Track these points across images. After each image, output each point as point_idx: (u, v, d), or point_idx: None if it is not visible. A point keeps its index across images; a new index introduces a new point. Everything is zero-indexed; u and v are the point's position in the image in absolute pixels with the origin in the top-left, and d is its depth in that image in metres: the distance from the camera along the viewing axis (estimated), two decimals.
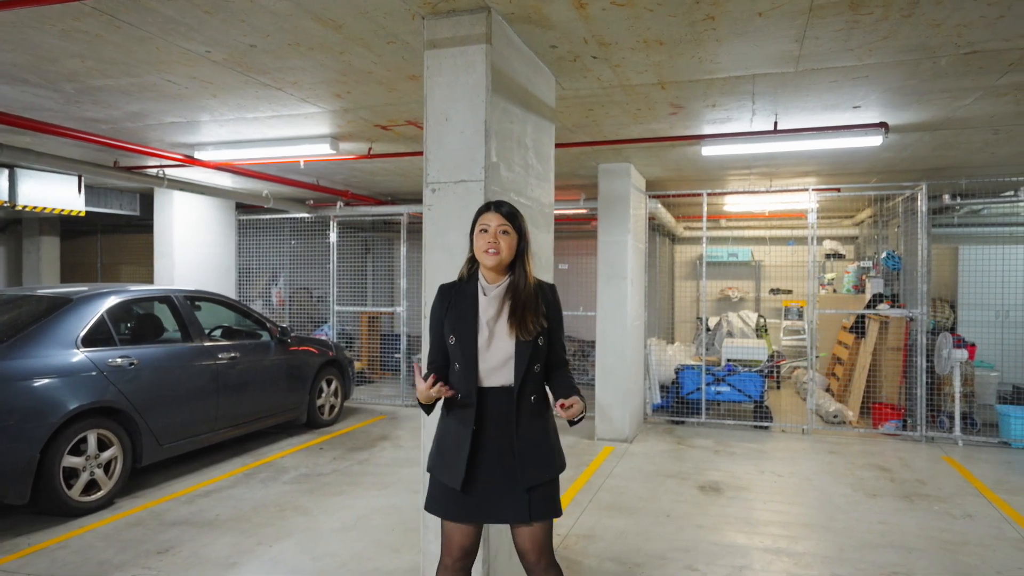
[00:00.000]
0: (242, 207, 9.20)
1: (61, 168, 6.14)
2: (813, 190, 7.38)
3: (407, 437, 6.71)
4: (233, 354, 5.77)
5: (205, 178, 7.60)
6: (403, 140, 5.75)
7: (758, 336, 9.46)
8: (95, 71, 3.90)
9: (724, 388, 7.44)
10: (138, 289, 5.44)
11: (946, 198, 7.67)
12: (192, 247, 8.38)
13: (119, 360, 4.76)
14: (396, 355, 8.89)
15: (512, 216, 2.31)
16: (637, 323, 7.17)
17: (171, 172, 7.05)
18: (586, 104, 4.60)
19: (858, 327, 8.17)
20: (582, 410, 2.23)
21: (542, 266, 3.79)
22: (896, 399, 7.42)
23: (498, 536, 3.16)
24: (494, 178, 3.11)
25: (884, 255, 8.25)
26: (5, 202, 6.48)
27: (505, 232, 2.28)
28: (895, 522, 4.46)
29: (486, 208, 2.35)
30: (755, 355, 7.91)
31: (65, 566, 3.71)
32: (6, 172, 6.47)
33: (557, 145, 5.62)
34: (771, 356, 8.36)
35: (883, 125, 4.99)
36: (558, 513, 2.35)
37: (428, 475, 2.42)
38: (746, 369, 7.53)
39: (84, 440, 4.47)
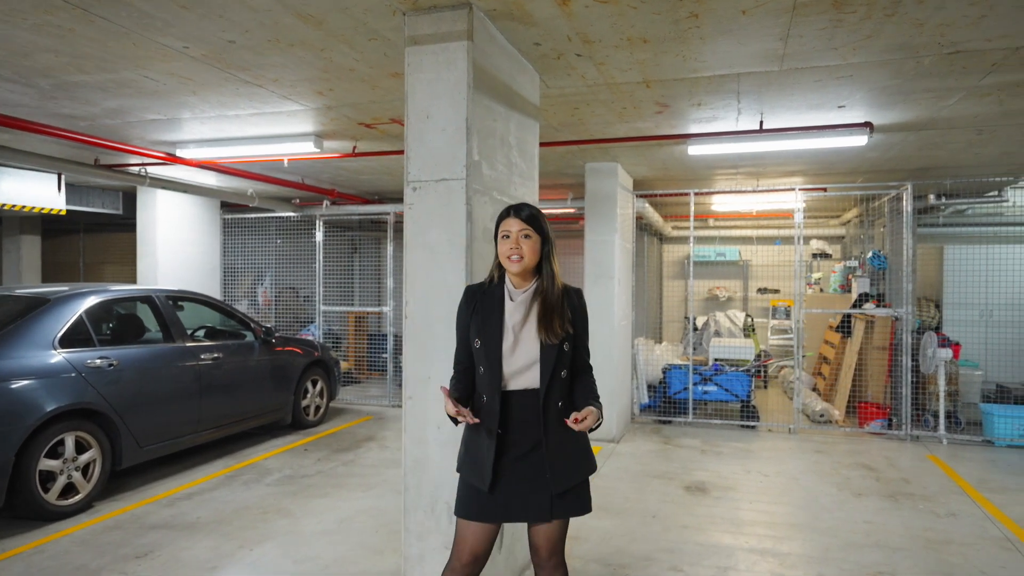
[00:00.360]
0: (227, 206, 9.11)
1: (40, 166, 6.04)
2: (800, 190, 7.39)
3: (393, 438, 6.66)
4: (216, 355, 5.70)
5: (189, 176, 7.52)
6: (388, 138, 5.70)
7: (746, 336, 9.47)
8: (70, 66, 3.83)
9: (711, 388, 7.44)
10: (118, 289, 5.35)
11: (931, 198, 7.71)
12: (176, 246, 8.29)
13: (98, 361, 4.68)
14: (383, 355, 8.83)
15: (532, 219, 2.28)
16: (624, 323, 7.15)
17: (153, 170, 6.96)
18: (571, 103, 4.57)
19: (844, 326, 8.20)
20: (596, 421, 2.22)
21: None
22: (882, 398, 7.45)
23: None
24: (476, 176, 3.07)
25: (870, 255, 8.28)
26: None
27: (527, 236, 2.26)
28: (880, 521, 4.46)
29: (506, 213, 2.31)
30: (742, 354, 7.91)
31: (41, 571, 3.64)
32: None
33: (543, 144, 5.60)
34: (758, 355, 8.37)
35: (868, 125, 5.00)
36: (587, 510, 2.36)
37: (457, 476, 2.43)
38: (733, 369, 7.53)
39: (62, 443, 4.39)
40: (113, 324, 5.62)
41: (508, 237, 2.27)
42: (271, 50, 3.57)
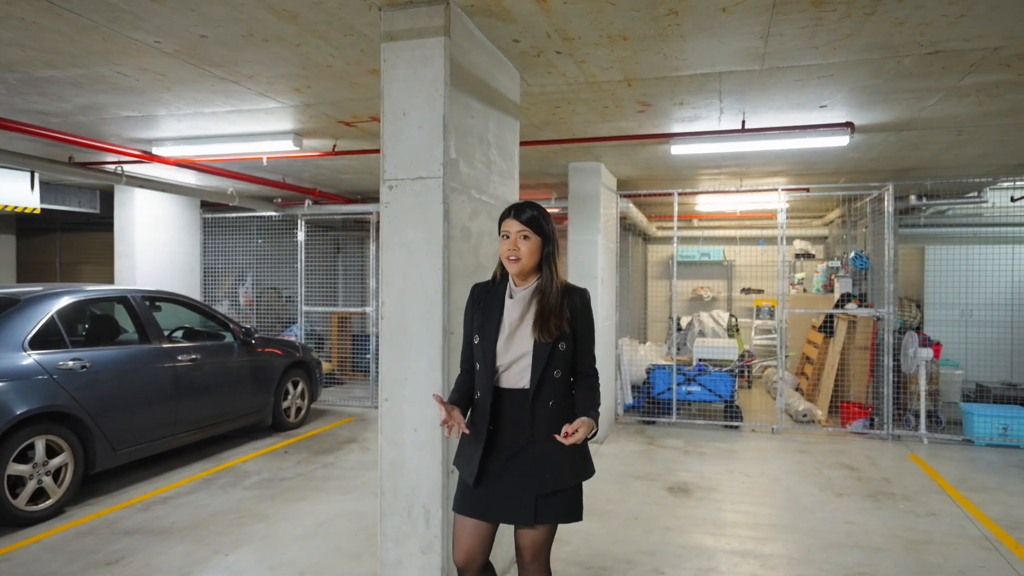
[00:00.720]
0: (208, 205, 8.99)
1: (11, 163, 5.90)
2: (782, 190, 7.41)
3: (375, 440, 6.58)
4: (194, 356, 5.61)
5: (167, 175, 7.40)
6: (368, 137, 5.64)
7: (730, 336, 9.49)
8: (38, 61, 3.73)
9: (695, 388, 7.44)
10: (93, 289, 5.25)
11: (912, 199, 7.75)
12: (155, 246, 8.16)
13: (70, 363, 4.58)
14: (367, 356, 8.75)
15: (533, 221, 2.27)
16: (608, 323, 7.13)
17: (130, 168, 6.84)
18: (552, 101, 4.54)
19: (827, 326, 8.23)
20: (589, 433, 2.18)
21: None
22: (864, 398, 7.48)
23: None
24: (453, 175, 3.03)
25: (852, 255, 8.32)
26: None
27: (525, 237, 2.26)
28: (861, 522, 4.46)
29: (507, 213, 2.31)
30: (726, 355, 7.92)
31: None
32: None
33: (525, 143, 5.56)
34: (742, 355, 8.39)
35: (849, 125, 5.00)
36: (576, 518, 2.32)
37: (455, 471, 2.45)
38: (717, 369, 7.53)
39: (32, 447, 4.29)
40: (87, 325, 5.51)
41: (508, 237, 2.28)
42: (245, 46, 3.49)
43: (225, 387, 5.98)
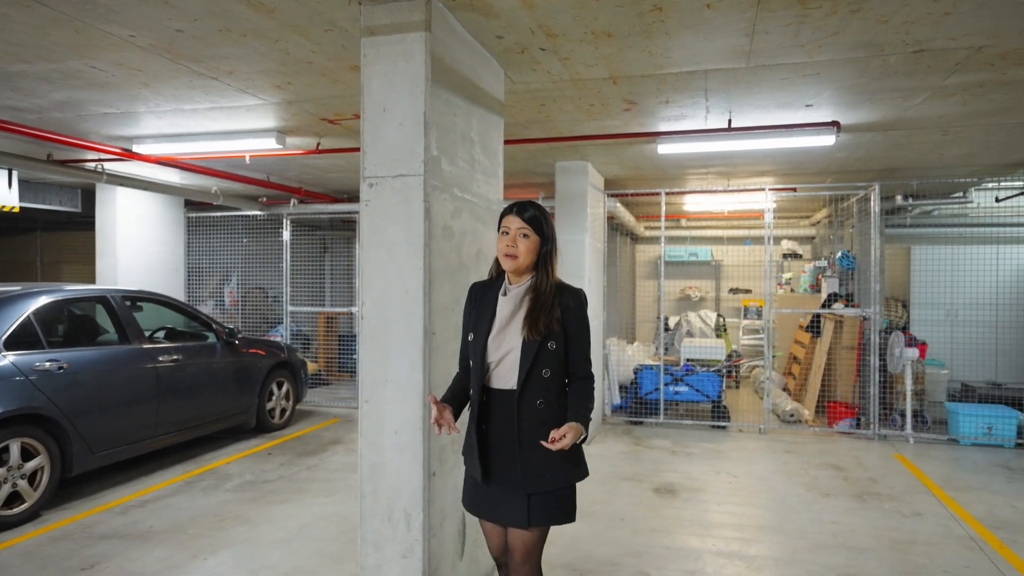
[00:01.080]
0: (192, 204, 8.88)
1: None
2: (770, 190, 7.41)
3: None
4: (175, 356, 5.52)
5: (149, 173, 7.29)
6: (352, 135, 5.57)
7: (717, 336, 9.48)
8: (8, 55, 3.63)
9: (682, 388, 7.42)
10: (71, 289, 5.15)
11: (898, 199, 7.77)
12: (137, 245, 8.04)
13: (47, 364, 4.49)
14: (354, 356, 8.66)
15: (534, 220, 2.28)
16: (595, 323, 7.09)
17: (111, 166, 6.73)
18: (538, 99, 4.49)
19: (814, 326, 8.24)
20: (577, 438, 2.16)
21: (490, 265, 3.66)
22: (850, 397, 7.49)
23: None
24: (435, 172, 2.97)
25: (839, 255, 8.34)
26: None
27: (525, 235, 2.27)
28: (847, 522, 4.45)
29: (509, 210, 2.32)
30: (713, 355, 7.91)
31: None
32: None
33: (511, 142, 5.52)
34: (730, 355, 8.38)
35: (835, 124, 4.99)
36: (569, 519, 2.32)
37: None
38: (705, 369, 7.52)
39: (6, 450, 4.20)
40: (65, 325, 5.40)
41: (507, 233, 2.29)
42: (222, 40, 3.43)
43: (207, 388, 5.90)
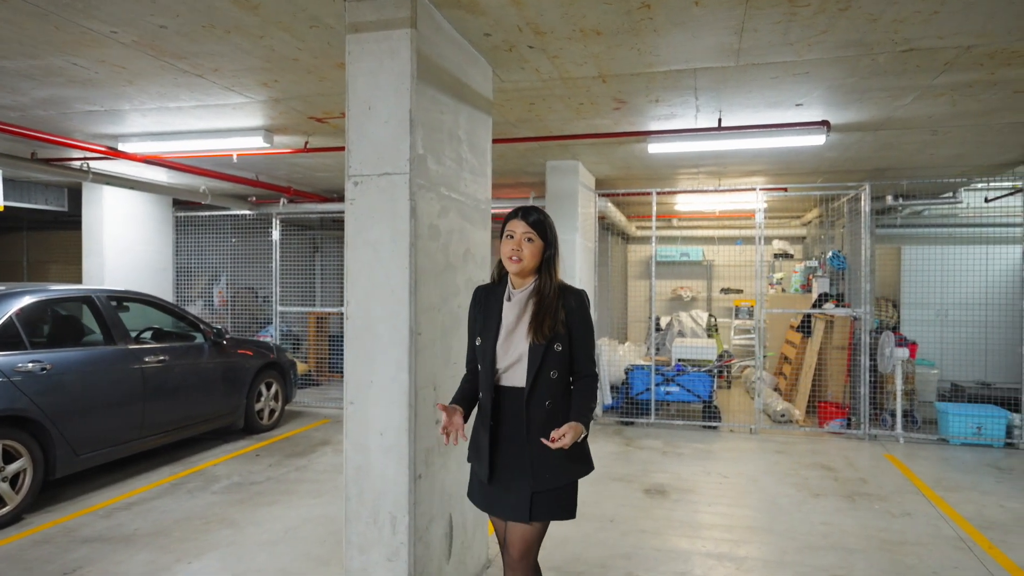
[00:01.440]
0: (180, 203, 8.80)
1: None
2: (761, 190, 7.39)
3: None
4: (162, 357, 5.46)
5: (136, 172, 7.22)
6: (340, 134, 5.52)
7: (709, 336, 9.48)
8: None
9: (674, 388, 7.40)
10: (55, 289, 5.08)
11: (889, 199, 7.79)
12: (125, 245, 7.95)
13: (29, 365, 4.42)
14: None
15: (538, 224, 2.31)
16: None
17: (97, 165, 6.65)
18: (527, 97, 4.46)
19: (805, 326, 8.25)
20: (577, 437, 2.18)
21: (478, 265, 3.63)
22: (841, 397, 7.49)
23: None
24: (421, 171, 2.94)
25: (830, 255, 8.35)
26: None
27: (530, 240, 2.29)
28: (837, 523, 4.44)
29: (514, 214, 2.35)
30: (704, 355, 7.90)
31: None
32: None
33: (501, 141, 5.49)
34: (721, 355, 8.37)
35: (825, 124, 4.99)
36: (570, 515, 2.37)
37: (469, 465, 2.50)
38: (696, 369, 7.51)
39: None
40: (48, 326, 5.33)
41: (512, 237, 2.30)
42: (206, 37, 3.38)
43: (195, 389, 5.84)
